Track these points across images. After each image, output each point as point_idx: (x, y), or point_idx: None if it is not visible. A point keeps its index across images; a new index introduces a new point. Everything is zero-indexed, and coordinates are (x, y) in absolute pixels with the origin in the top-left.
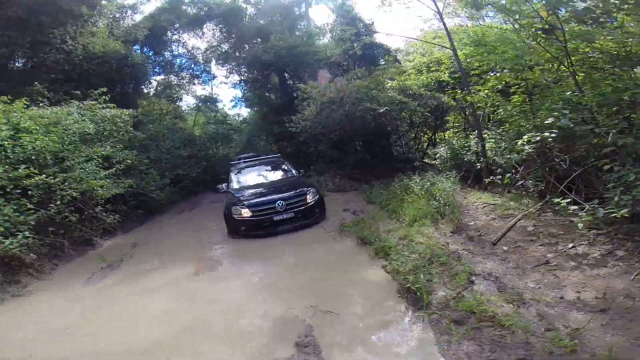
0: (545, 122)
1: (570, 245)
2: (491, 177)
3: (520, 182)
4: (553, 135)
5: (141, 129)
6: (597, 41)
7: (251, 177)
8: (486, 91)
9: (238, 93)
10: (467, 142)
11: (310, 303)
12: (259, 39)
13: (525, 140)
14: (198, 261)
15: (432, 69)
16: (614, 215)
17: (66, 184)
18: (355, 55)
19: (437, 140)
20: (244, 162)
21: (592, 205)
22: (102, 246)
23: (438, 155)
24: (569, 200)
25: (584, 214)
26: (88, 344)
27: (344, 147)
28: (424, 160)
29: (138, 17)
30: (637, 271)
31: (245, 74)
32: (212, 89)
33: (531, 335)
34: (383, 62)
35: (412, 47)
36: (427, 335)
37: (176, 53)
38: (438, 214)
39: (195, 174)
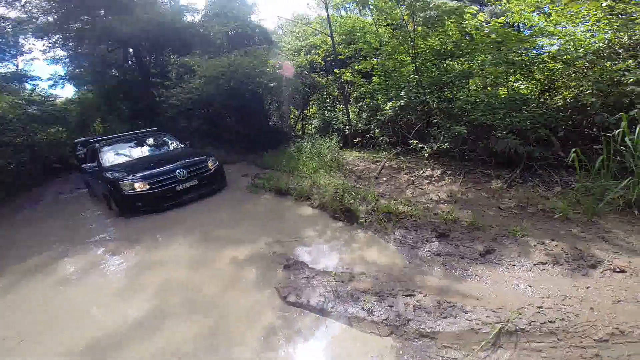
0: (400, 94)
1: (422, 171)
2: (366, 136)
3: (380, 139)
4: (402, 103)
5: None
6: (428, 40)
7: (129, 152)
8: (349, 73)
9: (58, 69)
10: (334, 114)
11: (267, 240)
12: (101, 11)
13: (390, 106)
14: (108, 242)
15: (310, 51)
16: (442, 148)
17: None
18: (230, 34)
19: (307, 115)
20: (112, 138)
21: (429, 145)
22: None
23: (313, 125)
24: (417, 142)
25: (426, 149)
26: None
27: (219, 122)
28: (297, 133)
29: None
30: (459, 180)
31: (74, 49)
32: (17, 66)
33: (429, 218)
34: (258, 42)
35: (288, 30)
36: (369, 234)
37: None
38: (327, 166)
39: (14, 166)
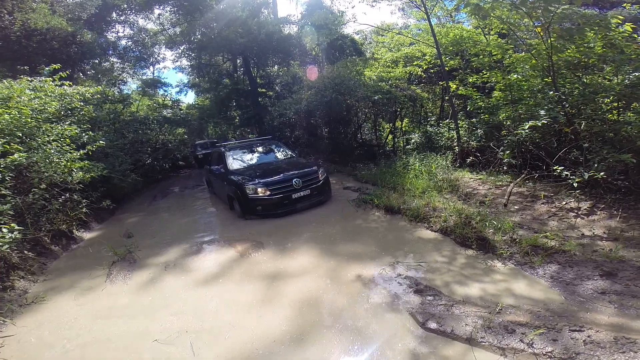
0: (540, 112)
1: (564, 202)
2: (500, 153)
3: (504, 161)
4: (545, 122)
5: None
6: (564, 52)
7: (250, 158)
8: (455, 86)
9: (182, 77)
10: (438, 129)
11: (389, 261)
12: (215, 24)
13: (531, 125)
14: (232, 244)
15: (414, 63)
16: (595, 177)
17: (41, 165)
18: (325, 45)
19: (401, 129)
20: (236, 144)
21: (579, 171)
22: (83, 239)
23: (414, 140)
24: (561, 168)
25: (574, 177)
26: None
27: (316, 133)
28: (389, 147)
29: None
30: (618, 216)
31: (196, 60)
32: (153, 73)
33: (587, 255)
34: (348, 53)
35: (380, 42)
36: (510, 266)
37: (121, 35)
38: (438, 187)
39: (150, 160)
